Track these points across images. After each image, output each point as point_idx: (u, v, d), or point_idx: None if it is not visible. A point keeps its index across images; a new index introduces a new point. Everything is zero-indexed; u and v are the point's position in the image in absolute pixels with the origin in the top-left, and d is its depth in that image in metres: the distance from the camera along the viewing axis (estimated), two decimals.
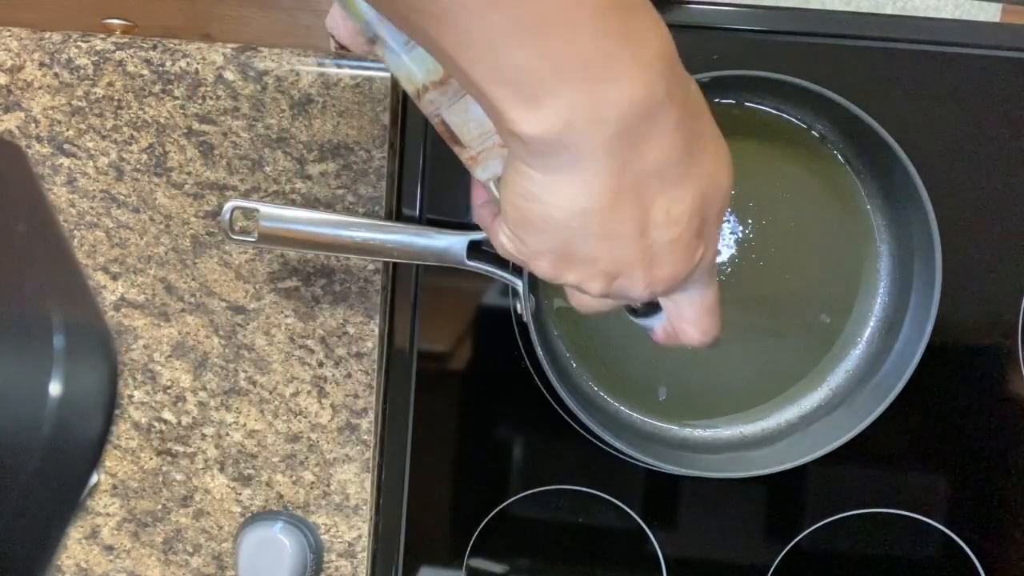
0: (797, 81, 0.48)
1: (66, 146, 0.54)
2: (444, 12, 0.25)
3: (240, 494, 0.56)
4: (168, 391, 0.56)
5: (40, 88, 0.53)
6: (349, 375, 0.55)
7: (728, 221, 0.54)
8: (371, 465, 0.56)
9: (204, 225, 0.54)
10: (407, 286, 0.55)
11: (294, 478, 0.56)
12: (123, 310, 0.55)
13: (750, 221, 0.54)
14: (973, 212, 0.54)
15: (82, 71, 0.53)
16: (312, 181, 0.53)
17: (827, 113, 0.52)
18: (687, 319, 0.38)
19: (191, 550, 0.57)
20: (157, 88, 0.53)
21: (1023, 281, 0.55)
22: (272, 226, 0.47)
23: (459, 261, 0.48)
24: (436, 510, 0.57)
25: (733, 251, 0.54)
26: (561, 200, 0.29)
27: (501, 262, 0.50)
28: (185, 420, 0.56)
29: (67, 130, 0.53)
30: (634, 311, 0.41)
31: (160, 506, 0.57)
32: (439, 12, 0.25)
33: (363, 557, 0.57)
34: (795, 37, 0.53)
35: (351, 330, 0.54)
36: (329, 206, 0.53)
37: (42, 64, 0.53)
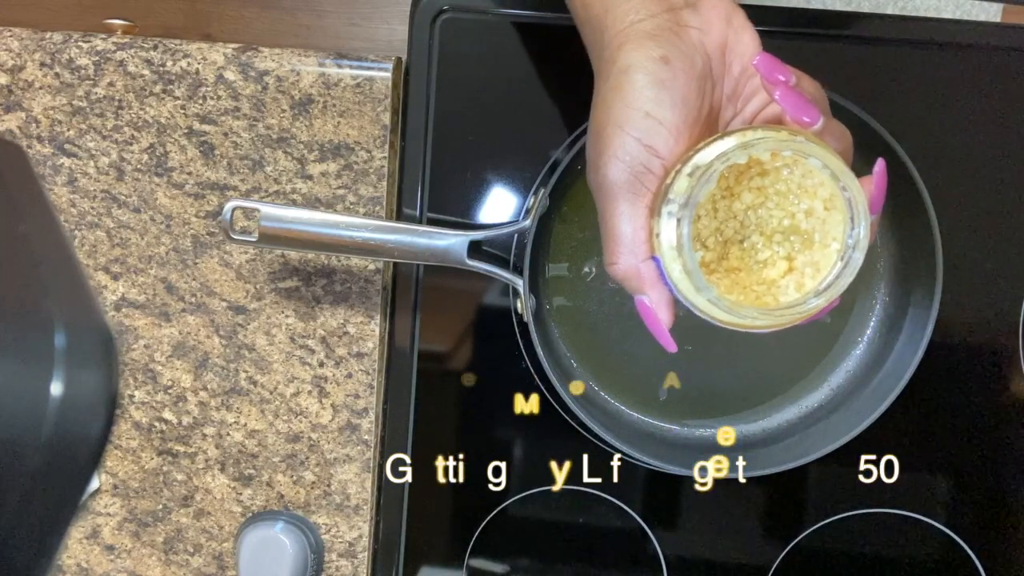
0: None
1: (67, 146, 0.54)
2: None
3: (241, 494, 0.56)
4: (169, 391, 0.56)
5: (41, 88, 0.53)
6: (350, 375, 0.55)
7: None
8: (371, 465, 0.56)
9: (205, 225, 0.54)
10: (408, 286, 0.55)
11: (295, 478, 0.56)
12: (124, 310, 0.55)
13: None
14: (973, 212, 0.54)
15: (83, 71, 0.53)
16: (313, 181, 0.53)
17: None
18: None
19: (192, 550, 0.57)
20: (158, 88, 0.53)
21: None
22: (273, 226, 0.47)
23: (459, 261, 0.48)
24: (436, 510, 0.57)
25: None
26: None
27: (501, 262, 0.50)
28: (186, 420, 0.56)
29: (68, 130, 0.53)
30: None
31: (161, 506, 0.57)
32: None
33: (364, 557, 0.57)
34: (795, 37, 0.53)
35: (352, 330, 0.55)
36: (330, 206, 0.54)
37: (43, 64, 0.53)
